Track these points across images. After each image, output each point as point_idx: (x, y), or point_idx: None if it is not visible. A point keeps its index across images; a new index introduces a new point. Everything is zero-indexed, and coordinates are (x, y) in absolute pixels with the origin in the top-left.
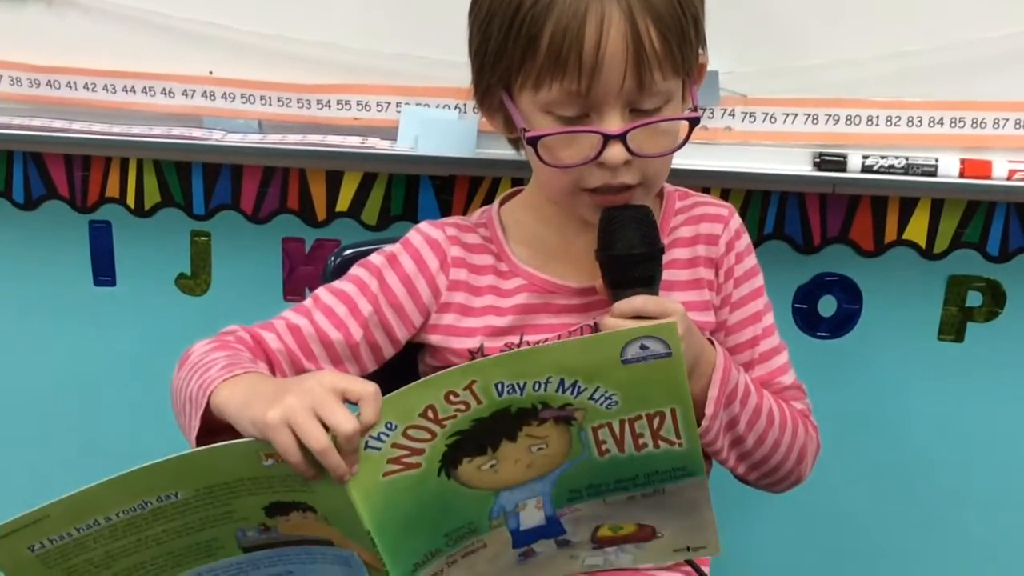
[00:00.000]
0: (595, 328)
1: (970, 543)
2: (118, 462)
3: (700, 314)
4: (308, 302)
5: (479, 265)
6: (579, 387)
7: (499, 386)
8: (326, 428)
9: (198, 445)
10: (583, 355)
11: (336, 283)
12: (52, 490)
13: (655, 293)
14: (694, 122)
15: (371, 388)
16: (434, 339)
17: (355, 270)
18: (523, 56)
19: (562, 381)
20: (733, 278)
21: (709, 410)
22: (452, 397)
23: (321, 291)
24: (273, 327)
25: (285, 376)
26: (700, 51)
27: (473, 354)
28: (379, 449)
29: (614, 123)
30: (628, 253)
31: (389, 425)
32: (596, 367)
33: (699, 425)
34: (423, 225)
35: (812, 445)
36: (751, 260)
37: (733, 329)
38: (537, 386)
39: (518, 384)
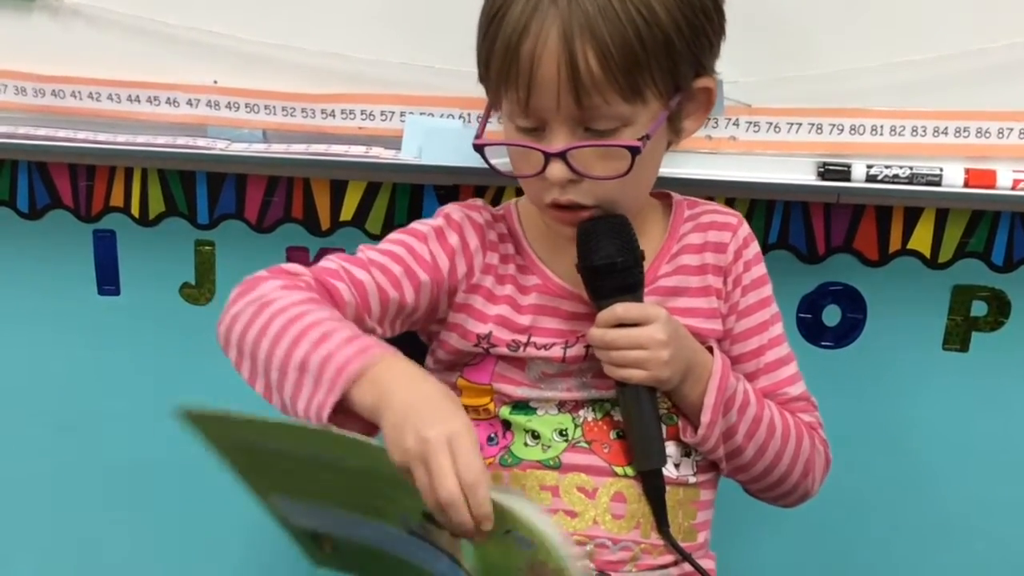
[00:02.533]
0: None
1: (976, 553)
2: (121, 472)
3: (708, 321)
4: (362, 257)
5: (506, 255)
6: None
7: None
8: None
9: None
10: None
11: (382, 245)
12: (55, 501)
13: (639, 300)
14: (635, 151)
15: (478, 475)
16: (458, 317)
17: (399, 236)
18: (487, 64)
19: None
20: (741, 286)
21: (706, 418)
22: None
23: (368, 251)
24: (341, 277)
25: None
26: (702, 75)
27: (480, 339)
28: (524, 549)
29: (557, 140)
30: (605, 263)
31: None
32: None
33: (696, 433)
34: (459, 206)
35: (820, 459)
36: (760, 269)
37: (739, 338)
38: None
39: None
